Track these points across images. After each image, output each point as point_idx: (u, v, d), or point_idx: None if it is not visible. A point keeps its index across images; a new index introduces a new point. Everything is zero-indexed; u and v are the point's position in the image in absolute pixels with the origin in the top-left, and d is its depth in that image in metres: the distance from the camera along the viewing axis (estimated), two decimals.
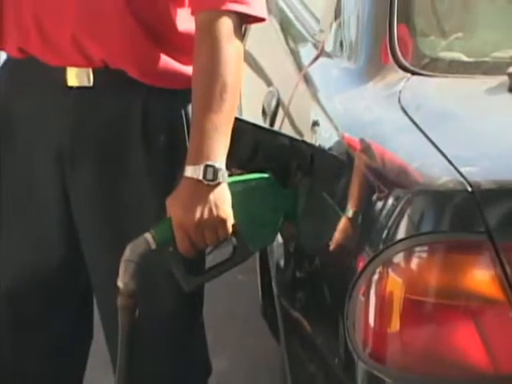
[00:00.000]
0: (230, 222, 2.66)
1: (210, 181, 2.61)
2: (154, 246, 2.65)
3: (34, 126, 2.91)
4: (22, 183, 2.95)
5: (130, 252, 2.68)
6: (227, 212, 2.65)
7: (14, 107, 2.94)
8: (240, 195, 2.71)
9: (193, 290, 2.89)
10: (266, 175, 2.77)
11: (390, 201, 2.39)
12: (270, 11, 3.37)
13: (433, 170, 2.36)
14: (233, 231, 2.69)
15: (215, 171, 2.61)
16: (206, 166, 2.60)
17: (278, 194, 2.80)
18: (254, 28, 2.96)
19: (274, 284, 3.01)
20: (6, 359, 3.11)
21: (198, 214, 2.61)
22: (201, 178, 2.60)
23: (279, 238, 2.95)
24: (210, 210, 2.61)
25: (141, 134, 2.88)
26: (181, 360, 3.06)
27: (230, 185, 2.70)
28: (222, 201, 2.64)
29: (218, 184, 2.62)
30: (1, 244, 3.03)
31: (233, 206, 2.69)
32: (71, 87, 2.85)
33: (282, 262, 2.99)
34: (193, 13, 2.80)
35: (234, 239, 2.75)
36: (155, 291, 2.77)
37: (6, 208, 2.98)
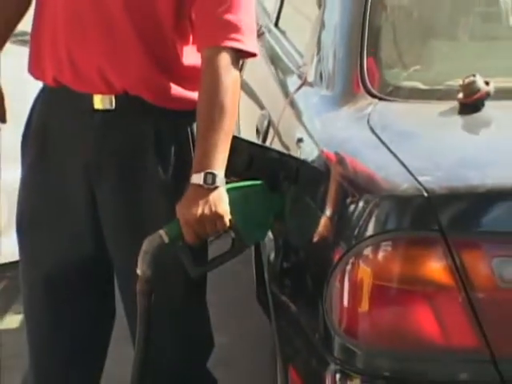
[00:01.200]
0: (227, 217, 2.66)
1: (210, 185, 2.62)
2: (166, 240, 2.67)
3: (66, 142, 2.91)
4: (57, 189, 2.94)
5: (147, 245, 2.70)
6: (224, 209, 2.66)
7: (50, 127, 2.93)
8: (238, 198, 2.72)
9: (198, 277, 2.92)
10: (258, 182, 2.77)
11: (361, 204, 2.40)
12: (262, 48, 3.40)
13: (396, 179, 2.37)
14: (230, 226, 2.69)
15: (214, 177, 2.63)
16: (207, 174, 2.62)
17: (269, 198, 2.79)
18: (249, 62, 2.96)
19: (266, 273, 3.00)
20: (42, 333, 3.10)
21: (199, 211, 2.61)
22: (201, 183, 2.62)
23: (270, 235, 2.95)
24: (210, 208, 2.62)
25: (154, 148, 2.88)
26: (189, 334, 3.05)
27: (230, 190, 2.71)
28: (220, 200, 2.65)
29: (216, 187, 2.63)
30: (38, 239, 3.02)
31: (231, 207, 2.69)
32: (97, 110, 2.86)
33: (272, 255, 2.96)
34: (198, 49, 2.81)
35: (232, 234, 2.77)
36: (168, 278, 2.76)
37: (43, 209, 2.98)
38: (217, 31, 2.77)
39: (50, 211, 2.98)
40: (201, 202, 2.63)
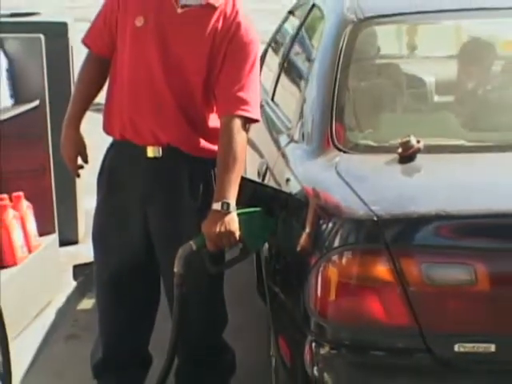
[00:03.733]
0: (237, 233, 2.66)
1: (225, 210, 2.64)
2: (194, 248, 2.68)
3: (128, 179, 2.94)
4: (121, 212, 2.97)
5: (181, 251, 2.70)
6: (235, 227, 2.66)
7: (117, 168, 2.96)
8: (244, 220, 2.71)
9: (216, 274, 2.93)
10: (258, 209, 2.76)
11: (330, 225, 2.42)
12: (263, 115, 3.40)
13: (354, 207, 2.38)
14: (239, 239, 2.70)
15: (228, 205, 2.65)
16: (223, 203, 2.64)
17: (266, 220, 2.77)
18: (253, 125, 2.95)
19: (263, 271, 2.97)
20: (109, 312, 3.12)
21: (218, 229, 2.62)
22: (219, 209, 2.64)
23: (267, 245, 2.93)
24: (225, 226, 2.63)
25: (188, 184, 2.91)
26: (211, 313, 3.07)
27: (239, 214, 2.70)
28: (232, 221, 2.65)
29: (230, 212, 2.64)
30: (107, 247, 3.05)
31: (240, 226, 2.69)
32: (149, 157, 2.88)
33: (268, 259, 2.94)
34: (218, 116, 2.84)
35: (240, 244, 2.78)
36: (196, 274, 2.79)
37: (111, 227, 3.00)
38: (232, 104, 2.78)
39: (116, 228, 3.01)
40: (219, 223, 2.64)
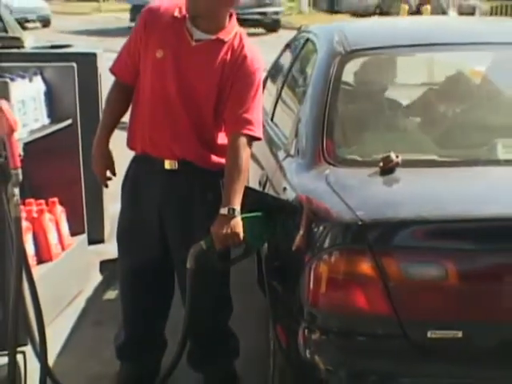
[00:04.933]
0: (241, 235, 2.66)
1: (231, 215, 2.65)
2: (204, 247, 2.68)
3: (147, 188, 2.94)
4: (141, 216, 2.98)
5: (192, 250, 2.70)
6: (239, 230, 2.66)
7: (138, 178, 2.97)
8: (248, 223, 2.71)
9: (223, 270, 2.96)
10: (260, 214, 2.74)
11: (321, 228, 2.42)
12: (264, 133, 3.39)
13: (342, 213, 2.37)
14: (243, 240, 2.70)
15: (234, 210, 2.65)
16: (229, 208, 2.65)
17: (266, 224, 2.76)
18: (256, 142, 2.94)
19: (263, 267, 2.96)
20: (130, 300, 3.13)
21: (224, 231, 2.63)
22: (226, 213, 2.65)
23: (266, 244, 2.90)
24: (231, 229, 2.63)
25: (200, 193, 2.92)
26: (219, 302, 3.08)
27: (243, 218, 2.70)
28: (237, 224, 2.66)
29: (235, 216, 2.65)
30: (129, 246, 3.05)
31: (244, 228, 2.69)
32: (166, 169, 2.89)
33: (267, 257, 2.93)
34: (227, 135, 2.86)
35: (244, 244, 2.78)
36: (207, 270, 2.78)
37: (133, 228, 3.01)
38: (239, 124, 2.79)
39: (137, 229, 3.01)
40: (225, 225, 2.65)
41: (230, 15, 2.88)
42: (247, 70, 2.85)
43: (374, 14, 26.84)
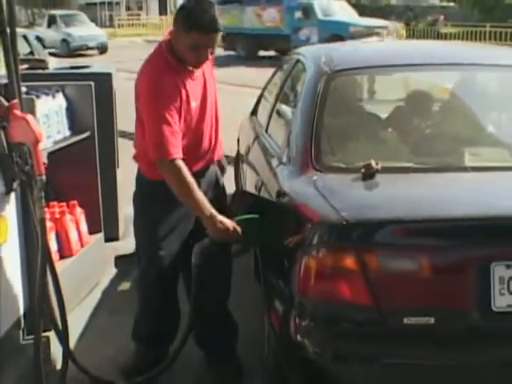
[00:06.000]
0: (236, 233, 2.63)
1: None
2: (208, 244, 2.69)
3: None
4: (167, 216, 2.89)
5: (197, 247, 2.70)
6: (229, 226, 2.63)
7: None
8: (245, 223, 2.70)
9: (225, 264, 2.96)
10: (256, 216, 2.72)
11: (310, 227, 2.41)
12: (259, 144, 3.38)
13: (328, 214, 2.36)
14: (240, 238, 2.68)
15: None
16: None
17: (261, 224, 2.72)
18: (252, 151, 2.94)
19: (259, 262, 2.95)
20: (156, 291, 3.01)
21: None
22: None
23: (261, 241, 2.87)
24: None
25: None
26: (221, 289, 3.07)
27: (242, 220, 2.68)
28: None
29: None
30: (156, 247, 2.93)
31: (242, 228, 2.67)
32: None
33: (263, 253, 2.93)
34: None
35: (242, 242, 2.77)
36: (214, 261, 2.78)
37: (162, 226, 2.91)
38: None
39: (165, 227, 2.92)
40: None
41: None
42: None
43: None
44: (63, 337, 2.86)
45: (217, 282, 3.00)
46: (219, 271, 2.96)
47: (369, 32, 16.73)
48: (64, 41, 24.07)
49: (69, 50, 23.44)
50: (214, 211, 2.66)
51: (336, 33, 17.55)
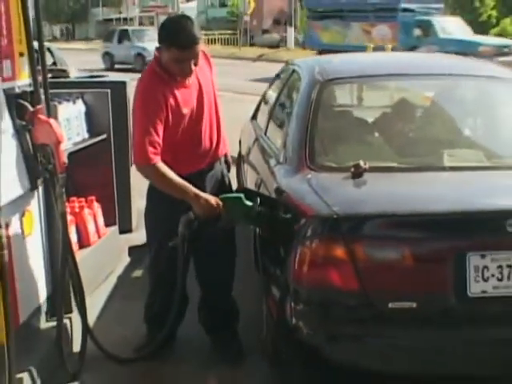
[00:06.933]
0: (219, 206, 2.65)
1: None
2: (192, 217, 2.69)
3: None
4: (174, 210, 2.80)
5: (183, 219, 2.68)
6: (212, 204, 2.65)
7: None
8: (228, 200, 2.71)
9: (232, 242, 2.99)
10: (240, 195, 2.70)
11: (304, 220, 2.40)
12: (259, 146, 3.37)
13: (321, 208, 2.36)
14: (225, 213, 2.68)
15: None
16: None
17: (243, 203, 2.67)
18: (252, 152, 2.92)
19: (258, 252, 2.96)
20: (161, 270, 3.00)
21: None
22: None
23: (261, 233, 2.88)
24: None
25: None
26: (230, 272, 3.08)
27: (224, 197, 2.71)
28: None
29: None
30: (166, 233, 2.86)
31: (224, 206, 2.67)
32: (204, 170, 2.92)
33: (261, 244, 2.92)
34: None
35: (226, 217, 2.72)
36: (213, 237, 2.81)
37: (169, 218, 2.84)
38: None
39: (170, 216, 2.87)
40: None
41: None
42: (208, 59, 2.95)
43: (277, 46, 28.37)
44: (82, 318, 2.87)
45: (219, 269, 3.00)
46: (208, 245, 2.91)
47: (498, 51, 14.76)
48: (139, 55, 21.90)
49: (144, 64, 20.39)
50: (197, 191, 2.68)
51: (461, 51, 14.38)
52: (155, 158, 2.65)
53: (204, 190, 2.81)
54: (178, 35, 2.63)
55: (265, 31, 34.01)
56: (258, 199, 2.71)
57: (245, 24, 30.72)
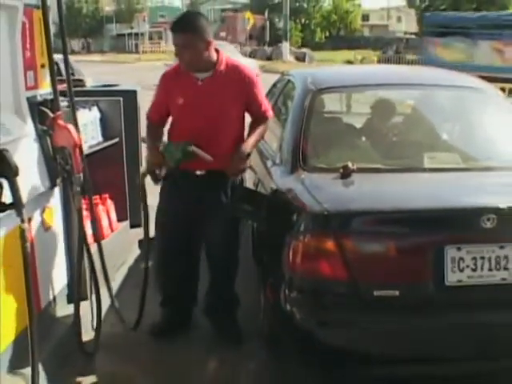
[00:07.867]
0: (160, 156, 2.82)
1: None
2: (144, 171, 2.95)
3: (185, 185, 2.89)
4: (176, 209, 2.93)
5: (146, 163, 2.94)
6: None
7: (178, 180, 2.92)
8: (167, 149, 2.82)
9: (235, 228, 2.97)
10: (170, 142, 2.89)
11: (298, 216, 2.39)
12: (257, 149, 3.35)
13: (313, 205, 2.35)
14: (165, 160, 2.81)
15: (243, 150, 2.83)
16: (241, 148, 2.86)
17: (174, 150, 2.78)
18: (253, 155, 2.90)
19: (256, 244, 2.98)
20: (170, 260, 3.06)
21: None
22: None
23: (259, 227, 2.86)
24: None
25: (219, 186, 2.91)
26: (231, 256, 3.06)
27: (164, 147, 2.85)
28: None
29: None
30: (170, 225, 2.98)
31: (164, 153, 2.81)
32: (197, 175, 2.88)
33: (259, 237, 2.92)
34: (253, 119, 2.96)
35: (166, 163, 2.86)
36: (219, 228, 2.91)
37: (169, 217, 2.96)
38: (261, 114, 2.94)
39: (174, 217, 2.96)
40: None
41: (217, 51, 2.82)
42: (248, 78, 2.84)
43: (270, 58, 28.68)
44: (97, 304, 2.87)
45: (223, 258, 3.00)
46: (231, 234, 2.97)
47: None
48: None
49: None
50: (154, 145, 2.89)
51: None
52: (150, 117, 3.00)
53: (194, 191, 2.87)
54: (175, 20, 2.74)
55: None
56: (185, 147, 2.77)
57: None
